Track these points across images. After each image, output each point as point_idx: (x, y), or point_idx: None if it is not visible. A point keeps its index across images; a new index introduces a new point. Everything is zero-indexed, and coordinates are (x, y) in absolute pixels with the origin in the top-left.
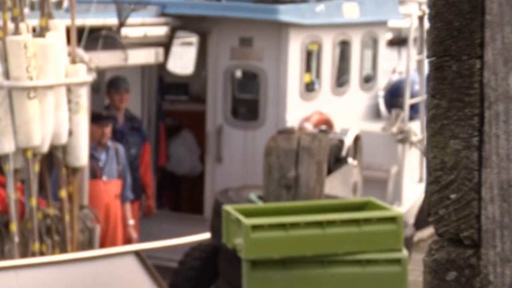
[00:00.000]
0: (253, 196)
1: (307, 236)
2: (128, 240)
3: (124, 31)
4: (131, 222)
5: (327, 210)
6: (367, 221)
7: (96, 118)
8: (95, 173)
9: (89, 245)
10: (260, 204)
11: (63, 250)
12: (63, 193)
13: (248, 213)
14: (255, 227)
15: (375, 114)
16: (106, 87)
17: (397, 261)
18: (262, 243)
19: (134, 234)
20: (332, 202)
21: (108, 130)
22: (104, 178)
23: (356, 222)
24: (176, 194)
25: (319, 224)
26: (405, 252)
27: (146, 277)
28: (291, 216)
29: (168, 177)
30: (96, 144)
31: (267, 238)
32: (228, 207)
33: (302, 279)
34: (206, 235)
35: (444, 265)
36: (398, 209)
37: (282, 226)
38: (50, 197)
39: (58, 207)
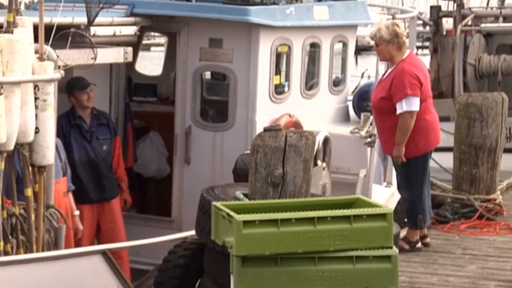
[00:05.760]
0: (239, 193)
1: (298, 232)
2: (75, 231)
3: (93, 30)
4: (77, 212)
5: (316, 207)
6: (357, 217)
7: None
8: None
9: (55, 245)
10: (248, 201)
11: (28, 250)
12: (29, 192)
13: (237, 210)
14: (247, 223)
15: (345, 117)
16: (68, 89)
17: (388, 258)
18: (253, 239)
19: (80, 225)
20: (321, 200)
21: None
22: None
23: (347, 218)
24: (143, 195)
25: (311, 220)
26: (395, 249)
27: (112, 277)
28: (280, 213)
29: (135, 179)
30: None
31: (258, 234)
32: (218, 203)
33: (293, 276)
34: (190, 233)
35: None
36: (388, 207)
37: (274, 222)
38: (15, 195)
39: (23, 206)
